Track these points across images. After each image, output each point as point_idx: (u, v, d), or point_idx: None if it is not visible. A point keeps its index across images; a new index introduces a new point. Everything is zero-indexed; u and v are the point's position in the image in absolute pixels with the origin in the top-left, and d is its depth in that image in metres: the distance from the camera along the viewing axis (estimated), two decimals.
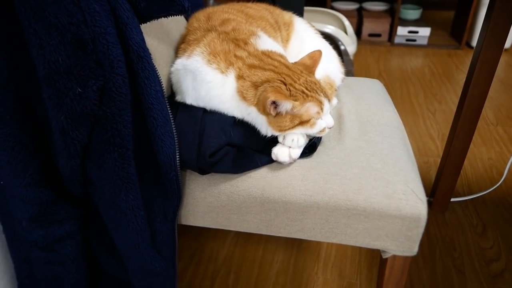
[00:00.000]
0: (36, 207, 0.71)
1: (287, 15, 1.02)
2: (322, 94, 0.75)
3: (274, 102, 0.70)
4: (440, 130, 2.05)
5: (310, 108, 0.73)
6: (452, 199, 1.55)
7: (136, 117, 0.72)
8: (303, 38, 0.99)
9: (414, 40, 3.16)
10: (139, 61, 0.69)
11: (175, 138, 0.75)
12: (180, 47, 0.88)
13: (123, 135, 0.69)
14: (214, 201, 0.79)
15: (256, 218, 0.78)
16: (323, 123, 0.76)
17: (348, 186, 0.73)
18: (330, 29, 2.61)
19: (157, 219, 0.80)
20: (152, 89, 0.71)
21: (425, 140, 1.97)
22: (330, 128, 0.78)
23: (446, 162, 1.44)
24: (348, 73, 2.17)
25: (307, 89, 0.74)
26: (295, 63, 0.80)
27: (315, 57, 0.80)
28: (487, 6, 1.12)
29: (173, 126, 0.75)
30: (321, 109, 0.74)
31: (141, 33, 0.70)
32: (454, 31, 3.24)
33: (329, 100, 0.76)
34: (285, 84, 0.73)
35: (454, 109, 2.32)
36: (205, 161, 0.73)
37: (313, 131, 0.76)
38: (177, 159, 0.75)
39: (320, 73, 0.91)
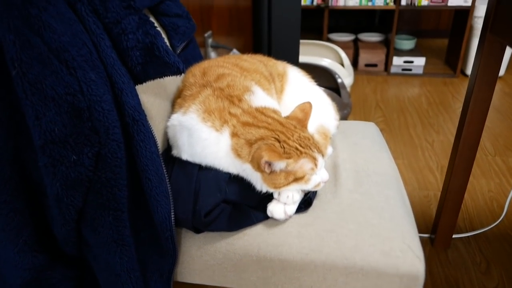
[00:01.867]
0: (30, 272, 0.70)
1: (281, 66, 1.04)
2: (315, 150, 0.76)
3: (268, 162, 0.71)
4: (439, 162, 2.05)
5: (304, 165, 0.74)
6: (454, 235, 1.53)
7: (131, 178, 0.72)
8: (297, 88, 1.01)
9: (410, 70, 3.21)
10: (135, 125, 0.69)
11: (170, 198, 0.75)
12: (176, 102, 0.89)
13: (118, 199, 0.69)
14: (210, 259, 0.78)
15: (253, 276, 0.77)
16: (318, 178, 0.77)
17: (345, 244, 0.73)
18: (326, 62, 2.65)
19: (152, 278, 0.79)
20: (147, 151, 0.71)
21: (425, 172, 1.97)
22: (325, 182, 0.78)
23: (446, 198, 1.43)
24: (346, 106, 2.19)
25: (300, 145, 0.74)
26: (288, 117, 0.81)
27: (305, 110, 0.81)
28: (479, 36, 1.13)
29: (168, 185, 0.75)
30: (315, 165, 0.75)
31: (137, 96, 0.72)
32: (449, 60, 3.29)
33: (322, 155, 0.77)
34: (279, 141, 0.74)
35: (452, 139, 2.34)
36: (200, 220, 0.73)
37: (308, 187, 0.76)
38: (173, 218, 0.75)
39: (313, 123, 0.92)
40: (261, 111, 0.79)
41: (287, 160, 0.71)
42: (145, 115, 0.72)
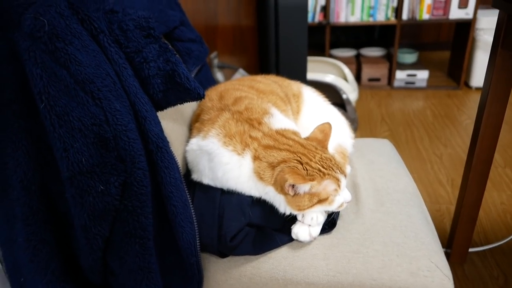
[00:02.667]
0: None
1: (295, 86, 1.05)
2: (338, 171, 0.76)
3: (292, 184, 0.71)
4: (449, 175, 2.04)
5: (327, 186, 0.74)
6: (470, 249, 1.51)
7: (156, 205, 0.72)
8: (313, 108, 1.01)
9: (413, 83, 3.23)
10: (158, 152, 0.70)
11: (195, 223, 0.75)
12: (194, 126, 0.90)
13: (145, 226, 0.69)
14: (235, 283, 0.77)
15: None
16: (341, 198, 0.76)
17: (372, 264, 0.72)
18: (331, 78, 2.67)
19: None
20: (171, 177, 0.71)
21: (435, 186, 1.96)
22: (348, 202, 0.78)
23: (461, 212, 1.42)
24: (353, 121, 2.20)
25: (323, 167, 0.75)
26: (308, 138, 0.81)
27: (325, 131, 0.82)
28: (491, 46, 1.11)
29: (192, 211, 0.76)
30: (339, 186, 0.75)
31: (159, 123, 0.72)
32: (452, 72, 3.31)
33: (345, 176, 0.77)
34: (301, 164, 0.74)
35: (460, 152, 2.34)
36: (226, 245, 0.73)
37: (332, 208, 0.76)
38: (198, 244, 0.75)
39: (332, 143, 0.92)
40: (282, 133, 0.79)
41: (311, 182, 0.71)
42: (168, 142, 0.73)
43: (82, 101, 0.61)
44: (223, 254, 0.76)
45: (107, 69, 0.65)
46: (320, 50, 3.45)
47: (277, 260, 0.76)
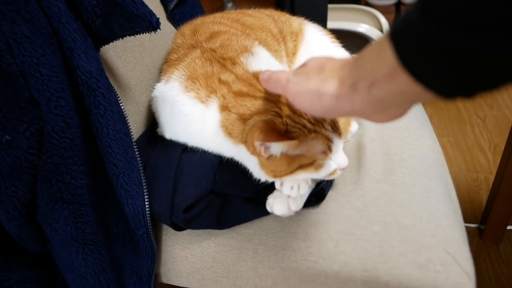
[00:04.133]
0: None
1: (296, 22, 0.84)
2: (330, 128, 0.57)
3: (263, 143, 0.54)
4: (492, 141, 1.78)
5: (313, 147, 0.56)
6: (508, 227, 1.30)
7: (94, 163, 0.58)
8: (315, 49, 0.81)
9: None
10: (91, 95, 0.54)
11: (144, 187, 0.60)
12: (162, 68, 0.73)
13: (72, 189, 0.55)
14: (197, 262, 0.63)
15: (250, 284, 0.62)
16: (333, 164, 0.59)
17: (366, 251, 0.55)
18: (364, 28, 2.39)
19: (130, 280, 0.66)
20: (110, 128, 0.56)
21: (474, 152, 1.71)
22: (343, 169, 0.60)
23: (500, 183, 1.21)
24: None
25: (310, 121, 0.56)
26: None
27: None
28: None
29: (141, 171, 0.60)
30: (329, 148, 0.57)
31: (95, 58, 0.56)
32: None
33: (339, 135, 0.58)
34: (281, 116, 0.56)
35: (509, 114, 2.04)
36: (178, 216, 0.58)
37: (319, 175, 0.58)
38: (147, 212, 0.61)
39: None
40: (259, 77, 0.61)
41: (288, 141, 0.53)
42: (108, 84, 0.57)
43: None
44: (178, 227, 0.62)
45: None
46: None
47: (246, 237, 0.61)
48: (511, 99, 2.08)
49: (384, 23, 2.54)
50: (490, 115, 1.97)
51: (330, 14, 1.91)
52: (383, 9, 2.84)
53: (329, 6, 1.89)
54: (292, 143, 0.54)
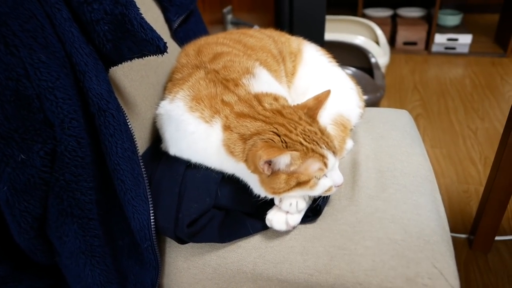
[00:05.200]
0: None
1: (295, 43, 0.88)
2: (324, 146, 0.61)
3: (268, 161, 0.57)
4: (482, 152, 1.83)
5: (310, 166, 0.59)
6: (496, 238, 1.34)
7: (102, 179, 0.61)
8: (312, 69, 0.85)
9: (454, 48, 2.92)
10: (101, 116, 0.57)
11: (150, 202, 0.63)
12: (166, 86, 0.76)
13: (82, 204, 0.57)
14: (199, 273, 0.66)
15: None
16: (328, 181, 0.62)
17: (359, 265, 0.59)
18: (360, 40, 2.44)
19: None
20: (118, 147, 0.59)
21: (465, 164, 1.76)
22: (338, 186, 0.64)
23: (490, 195, 1.25)
24: (379, 88, 1.99)
25: (305, 140, 0.60)
26: (297, 106, 0.66)
27: (320, 98, 0.66)
28: None
29: (147, 187, 0.63)
30: (325, 164, 0.60)
31: (106, 81, 0.59)
32: (499, 37, 2.96)
33: (334, 153, 0.62)
34: (279, 136, 0.60)
35: (499, 127, 2.09)
36: (183, 230, 0.61)
37: (315, 192, 0.62)
38: (153, 226, 0.64)
39: (330, 112, 0.77)
40: (260, 98, 0.64)
41: (291, 152, 0.57)
42: (117, 104, 0.60)
43: None
44: (181, 241, 0.65)
45: (32, 10, 0.52)
46: (352, 9, 3.18)
47: (246, 250, 0.64)
48: (502, 112, 2.13)
49: (380, 35, 2.59)
50: (481, 128, 2.01)
51: (326, 26, 1.95)
52: (379, 21, 2.90)
53: (326, 17, 1.93)
54: (294, 154, 0.57)
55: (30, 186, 0.54)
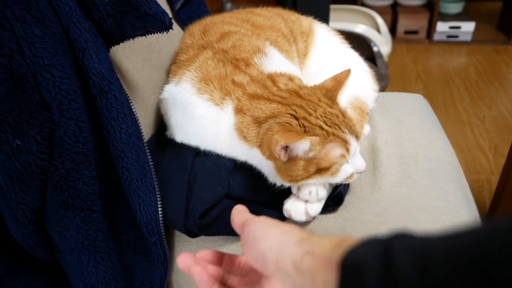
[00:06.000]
0: None
1: (306, 22, 0.83)
2: (347, 130, 0.56)
3: (285, 147, 0.52)
4: (491, 141, 1.78)
5: (331, 151, 0.54)
6: None
7: (105, 168, 0.56)
8: (325, 50, 0.80)
9: (456, 36, 2.87)
10: (103, 98, 0.52)
11: (157, 193, 0.58)
12: (170, 69, 0.71)
13: (85, 195, 0.52)
14: None
15: None
16: (350, 168, 0.57)
17: None
18: (361, 28, 2.38)
19: None
20: (122, 132, 0.54)
21: (474, 153, 1.72)
22: (360, 173, 0.59)
23: (506, 185, 1.20)
24: (383, 77, 1.94)
25: (326, 124, 0.55)
26: (314, 87, 0.61)
27: (339, 78, 0.61)
28: None
29: (154, 176, 0.58)
30: (347, 150, 0.55)
31: (107, 59, 0.54)
32: (502, 24, 2.92)
33: (357, 137, 0.57)
34: (297, 119, 0.55)
35: (507, 114, 2.05)
36: (194, 223, 0.56)
37: (336, 180, 0.57)
38: (161, 219, 0.59)
39: (347, 94, 0.72)
40: (274, 78, 0.59)
41: (310, 138, 0.52)
42: (120, 86, 0.55)
43: None
44: (193, 234, 0.60)
45: None
46: None
47: None
48: (510, 99, 2.09)
49: (381, 23, 2.54)
50: (489, 116, 1.97)
51: None
52: (379, 10, 2.85)
53: None
54: (314, 139, 0.52)
55: (27, 175, 0.49)
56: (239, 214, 0.42)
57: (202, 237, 0.62)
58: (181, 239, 0.63)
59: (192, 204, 0.57)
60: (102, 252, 0.57)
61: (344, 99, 0.70)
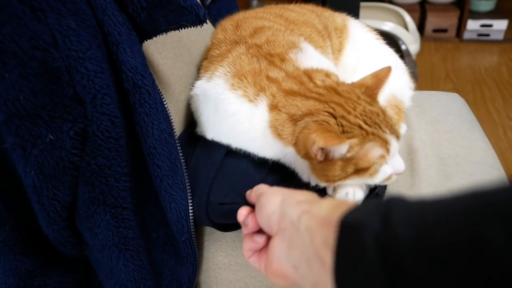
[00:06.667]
0: (13, 279, 0.56)
1: (340, 18, 0.80)
2: (388, 130, 0.53)
3: (322, 148, 0.50)
4: None
5: (370, 151, 0.52)
6: None
7: (135, 165, 0.55)
8: (361, 46, 0.77)
9: (488, 35, 2.77)
10: (136, 93, 0.51)
11: (188, 191, 0.57)
12: (202, 65, 0.70)
13: (116, 192, 0.52)
14: (241, 270, 0.60)
15: None
16: (389, 169, 0.55)
17: None
18: (389, 26, 2.33)
19: (170, 287, 0.63)
20: (154, 128, 0.53)
21: (508, 155, 1.65)
22: (399, 174, 0.56)
23: None
24: (412, 76, 1.90)
25: (366, 123, 0.52)
26: (353, 84, 0.59)
27: (380, 76, 0.58)
28: None
29: (185, 174, 0.57)
30: (387, 150, 0.53)
31: (140, 53, 0.53)
32: None
33: (397, 137, 0.54)
34: (335, 117, 0.52)
35: None
36: (215, 210, 0.55)
37: (375, 181, 0.54)
38: (191, 217, 0.57)
39: (383, 92, 0.69)
40: (311, 74, 0.57)
41: (349, 140, 0.49)
42: (153, 80, 0.54)
43: (15, 12, 0.42)
44: (222, 227, 0.58)
45: None
46: None
47: None
48: None
49: (409, 21, 2.48)
50: None
51: None
52: (407, 7, 2.78)
53: None
54: (353, 141, 0.50)
55: (59, 171, 0.48)
56: (255, 188, 0.49)
57: (233, 237, 0.60)
58: (210, 238, 0.62)
59: (212, 196, 0.56)
60: (131, 250, 0.56)
61: (380, 97, 0.67)
